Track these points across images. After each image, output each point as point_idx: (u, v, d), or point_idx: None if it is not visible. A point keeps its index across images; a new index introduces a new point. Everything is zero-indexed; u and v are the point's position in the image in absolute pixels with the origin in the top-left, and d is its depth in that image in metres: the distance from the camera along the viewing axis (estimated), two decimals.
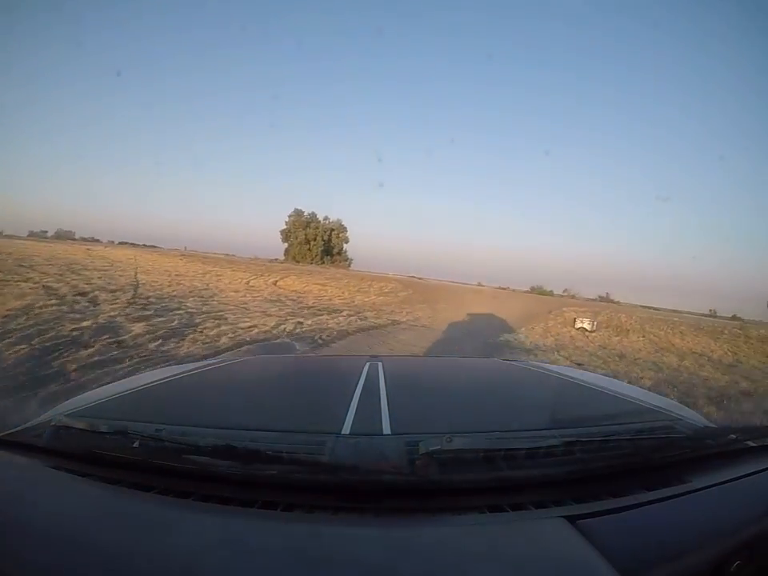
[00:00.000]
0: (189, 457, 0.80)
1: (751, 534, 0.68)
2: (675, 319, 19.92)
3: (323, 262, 38.71)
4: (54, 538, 0.63)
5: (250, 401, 1.30)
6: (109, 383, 1.58)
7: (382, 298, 21.35)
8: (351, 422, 1.00)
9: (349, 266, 39.02)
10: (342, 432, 0.95)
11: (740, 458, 0.89)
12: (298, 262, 36.39)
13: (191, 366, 1.88)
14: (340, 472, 0.74)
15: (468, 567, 0.58)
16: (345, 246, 42.04)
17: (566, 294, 37.06)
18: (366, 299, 20.08)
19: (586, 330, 14.92)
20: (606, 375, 3.49)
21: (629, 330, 16.04)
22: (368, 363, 1.70)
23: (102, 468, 0.85)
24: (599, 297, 39.57)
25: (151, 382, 1.49)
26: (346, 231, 40.96)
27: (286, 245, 41.97)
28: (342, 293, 21.13)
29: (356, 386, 1.32)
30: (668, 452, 0.85)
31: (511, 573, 0.58)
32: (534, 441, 0.83)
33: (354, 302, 18.35)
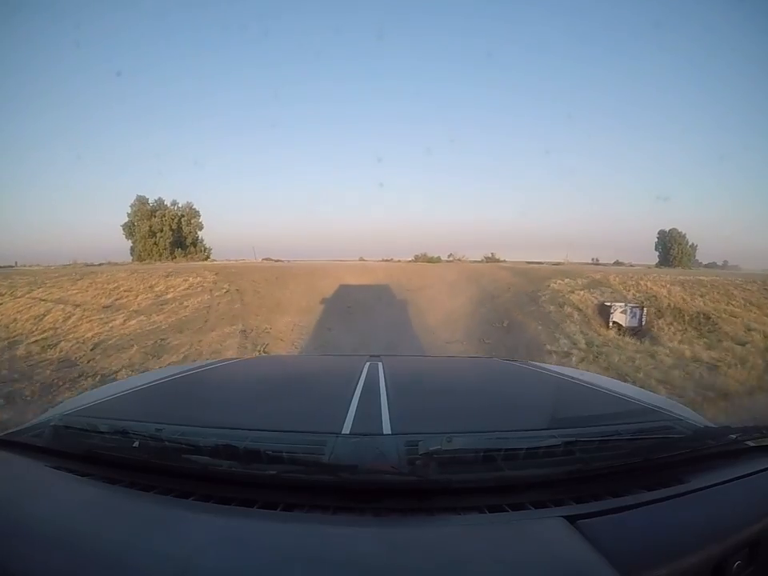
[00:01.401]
0: (189, 457, 0.80)
1: (751, 534, 0.68)
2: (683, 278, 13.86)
3: (174, 257, 31.12)
4: (54, 538, 0.63)
5: (250, 401, 1.30)
6: (109, 384, 1.58)
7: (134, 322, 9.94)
8: (351, 422, 1.00)
9: (207, 257, 32.17)
10: (342, 432, 0.95)
11: (740, 458, 0.89)
12: (143, 260, 29.58)
13: (191, 365, 1.88)
14: (340, 472, 0.74)
15: (468, 567, 0.58)
16: (199, 234, 34.00)
17: (452, 258, 35.00)
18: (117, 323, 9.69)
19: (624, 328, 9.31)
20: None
21: (710, 319, 9.37)
22: (368, 363, 1.70)
23: (102, 468, 0.85)
24: (485, 257, 37.37)
25: (151, 382, 1.49)
26: (199, 217, 33.24)
27: (130, 242, 32.76)
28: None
29: (356, 386, 1.32)
30: (668, 452, 0.85)
31: (511, 573, 0.58)
32: (533, 441, 0.83)
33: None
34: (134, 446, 0.83)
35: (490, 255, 38.49)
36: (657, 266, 40.54)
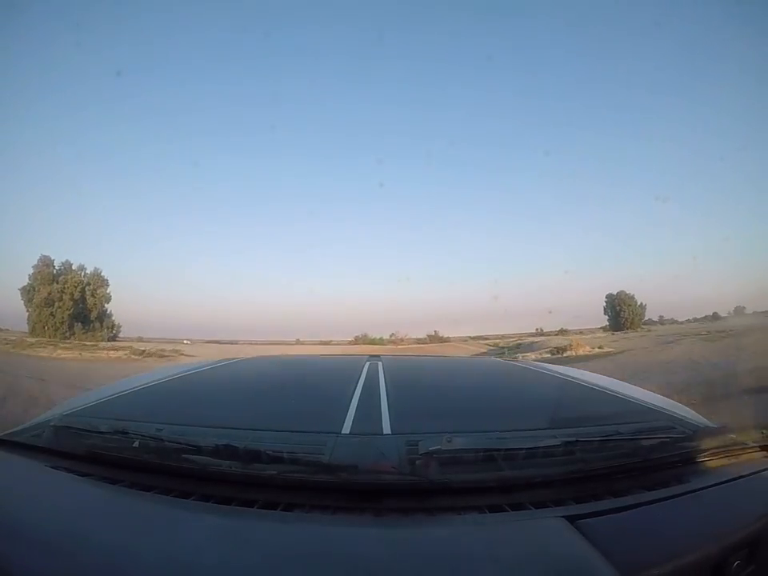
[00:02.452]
0: (189, 457, 0.80)
1: (751, 534, 0.68)
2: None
3: (72, 333, 25.64)
4: (54, 538, 0.63)
5: (250, 401, 1.30)
6: (109, 384, 1.58)
7: None
8: (351, 422, 1.00)
9: (112, 336, 26.22)
10: (342, 432, 0.94)
11: (740, 458, 0.89)
12: (36, 333, 24.41)
13: (191, 365, 1.87)
14: (340, 472, 0.74)
15: (468, 567, 0.58)
16: (107, 306, 28.09)
17: (394, 337, 34.72)
18: None
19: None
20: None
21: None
22: (368, 363, 1.70)
23: (102, 468, 0.85)
24: (428, 336, 38.07)
25: (151, 382, 1.49)
26: (107, 287, 27.56)
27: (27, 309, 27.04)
28: None
29: (356, 386, 1.32)
30: (668, 452, 0.85)
31: (511, 573, 0.58)
32: (533, 441, 0.82)
33: None
34: (134, 446, 0.83)
35: (433, 333, 38.88)
36: (607, 329, 41.36)
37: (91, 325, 27.20)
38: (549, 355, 15.83)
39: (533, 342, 31.97)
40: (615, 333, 35.80)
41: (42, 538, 0.63)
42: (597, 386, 1.47)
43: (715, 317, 43.35)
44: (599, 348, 17.06)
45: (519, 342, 41.25)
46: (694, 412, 1.19)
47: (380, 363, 1.70)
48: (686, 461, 0.87)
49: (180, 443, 0.83)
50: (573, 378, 1.61)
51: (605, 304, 43.25)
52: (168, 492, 0.76)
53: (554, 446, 0.80)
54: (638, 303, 42.06)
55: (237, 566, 0.57)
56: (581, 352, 15.99)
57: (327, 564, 0.58)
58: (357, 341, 32.96)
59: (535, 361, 12.15)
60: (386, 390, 1.28)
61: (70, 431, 0.94)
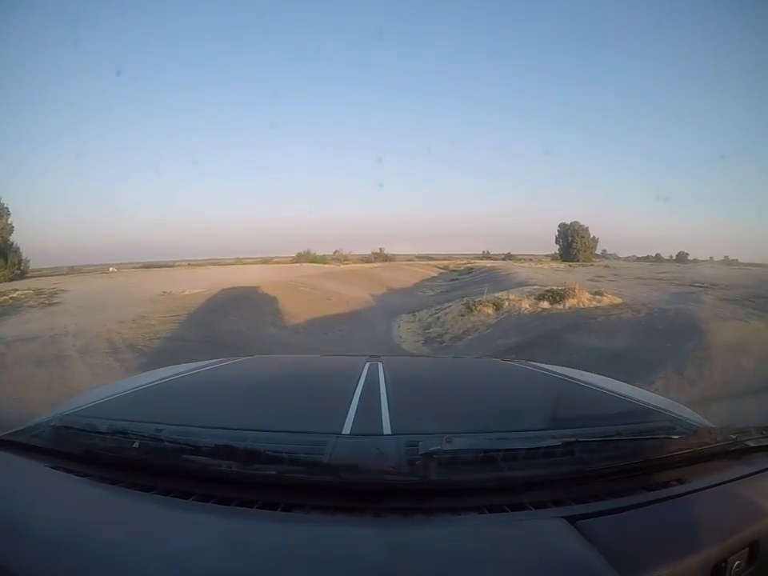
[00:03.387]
0: (189, 457, 0.80)
1: (751, 534, 0.68)
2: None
3: None
4: (54, 538, 0.63)
5: (249, 401, 1.30)
6: (109, 383, 1.58)
7: None
8: (351, 422, 1.00)
9: (19, 274, 21.98)
10: (342, 432, 0.94)
11: (740, 458, 0.89)
12: None
13: (191, 365, 1.87)
14: (340, 472, 0.74)
15: (468, 567, 0.58)
16: (11, 238, 23.25)
17: (337, 255, 31.94)
18: None
19: None
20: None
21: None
22: (368, 363, 1.70)
23: (102, 468, 0.85)
24: (372, 253, 35.67)
25: (151, 382, 1.49)
26: (7, 216, 22.91)
27: None
28: None
29: (356, 386, 1.32)
30: (668, 452, 0.85)
31: (511, 573, 0.58)
32: (533, 441, 0.83)
33: None
34: (133, 446, 0.83)
35: (378, 251, 37.35)
36: (557, 257, 40.52)
37: None
38: (542, 303, 10.96)
39: (492, 270, 28.30)
40: (571, 264, 33.66)
41: (42, 538, 0.63)
42: (597, 386, 1.47)
43: (657, 258, 43.10)
44: (598, 295, 11.15)
45: (469, 265, 39.48)
46: (693, 412, 1.19)
47: (380, 364, 1.70)
48: (686, 461, 0.86)
49: (180, 443, 0.83)
50: (572, 378, 1.61)
51: (557, 233, 42.02)
52: (168, 492, 0.76)
53: (553, 446, 0.80)
54: (591, 236, 41.27)
55: (237, 567, 0.57)
56: (587, 302, 10.60)
57: (327, 564, 0.58)
58: (299, 258, 30.50)
59: (525, 309, 10.48)
60: (386, 391, 1.28)
61: (69, 431, 0.94)
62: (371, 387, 1.33)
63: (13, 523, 0.67)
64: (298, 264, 29.06)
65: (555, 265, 34.46)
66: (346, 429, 0.97)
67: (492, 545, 0.63)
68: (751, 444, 0.90)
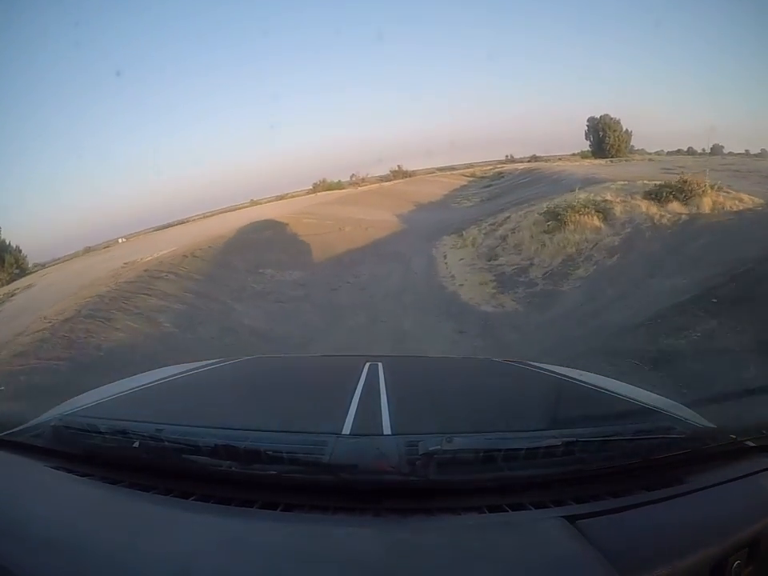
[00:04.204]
0: (189, 457, 0.80)
1: (751, 534, 0.68)
2: None
3: None
4: (54, 538, 0.63)
5: (250, 401, 1.30)
6: (109, 383, 1.58)
7: None
8: (351, 423, 1.00)
9: (18, 273, 20.18)
10: (343, 432, 0.95)
11: (740, 458, 0.89)
12: None
13: (191, 365, 1.87)
14: (340, 472, 0.74)
15: (468, 567, 0.58)
16: (4, 238, 21.10)
17: (354, 179, 29.37)
18: None
19: None
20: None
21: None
22: (368, 363, 1.70)
23: (102, 468, 0.85)
24: (391, 171, 33.50)
25: (151, 382, 1.49)
26: None
27: None
28: None
29: (356, 387, 1.32)
30: (668, 452, 0.85)
31: (511, 573, 0.58)
32: (533, 441, 0.82)
33: None
34: (134, 446, 0.83)
35: (396, 169, 34.96)
36: (587, 155, 36.65)
37: None
38: (670, 205, 7.08)
39: (531, 171, 24.86)
40: (611, 160, 30.11)
41: (43, 538, 0.63)
42: (597, 386, 1.47)
43: (690, 151, 38.85)
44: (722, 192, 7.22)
45: (497, 170, 37.08)
46: (693, 412, 1.19)
47: (380, 364, 1.70)
48: (685, 461, 0.86)
49: (180, 443, 0.83)
50: (572, 378, 1.61)
51: (586, 128, 37.78)
52: (168, 492, 0.76)
53: (553, 446, 0.80)
54: (624, 129, 36.77)
55: (237, 566, 0.57)
56: (726, 202, 7.03)
57: (327, 564, 0.58)
58: (315, 188, 28.02)
59: (655, 217, 6.33)
60: (386, 391, 1.28)
61: (69, 431, 0.94)
62: (371, 387, 1.33)
63: (13, 523, 0.67)
64: (314, 194, 26.46)
65: (592, 161, 30.39)
66: (346, 429, 0.97)
67: (492, 545, 0.63)
68: (751, 444, 0.90)
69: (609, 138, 36.15)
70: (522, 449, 0.80)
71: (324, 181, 28.78)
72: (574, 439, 0.82)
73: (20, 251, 22.15)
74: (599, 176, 13.15)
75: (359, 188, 27.79)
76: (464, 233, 11.19)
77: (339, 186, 28.03)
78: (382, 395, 1.24)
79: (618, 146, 36.15)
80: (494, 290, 6.92)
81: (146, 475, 0.81)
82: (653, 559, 0.61)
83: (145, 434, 0.85)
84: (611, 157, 33.06)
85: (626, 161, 28.77)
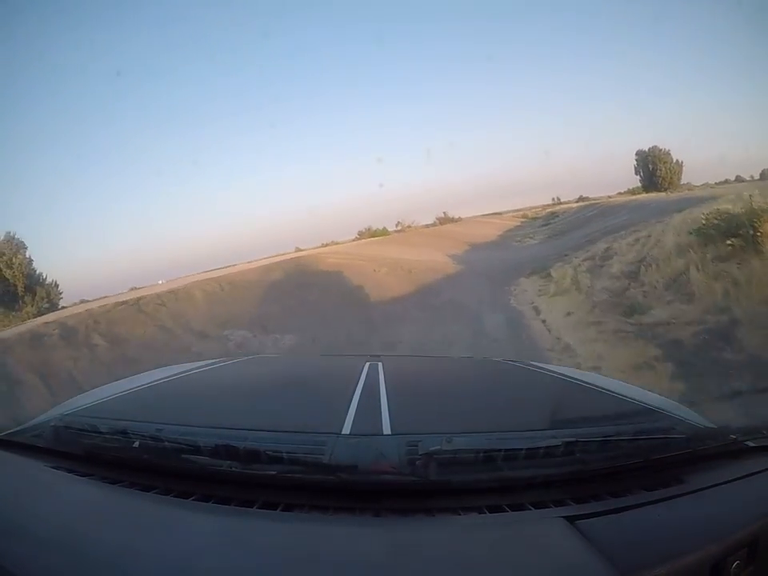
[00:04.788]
0: (189, 457, 0.80)
1: (750, 534, 0.68)
2: None
3: None
4: (54, 538, 0.63)
5: (250, 401, 1.30)
6: (109, 383, 1.58)
7: None
8: (351, 422, 1.00)
9: (48, 307, 19.02)
10: (342, 432, 0.95)
11: (740, 458, 0.89)
12: None
13: (191, 365, 1.88)
14: (340, 472, 0.74)
15: (468, 567, 0.58)
16: (38, 272, 20.57)
17: (400, 227, 27.51)
18: None
19: None
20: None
21: None
22: (368, 363, 1.70)
23: (102, 468, 0.85)
24: (437, 218, 31.66)
25: (151, 382, 1.49)
26: (24, 250, 20.00)
27: None
28: None
29: (356, 386, 1.32)
30: (668, 452, 0.85)
31: (511, 573, 0.58)
32: (533, 441, 0.82)
33: None
34: (134, 446, 0.83)
35: (442, 215, 33.61)
36: (636, 191, 35.41)
37: (21, 301, 19.67)
38: None
39: (595, 205, 23.74)
40: (667, 192, 28.25)
41: (42, 539, 0.63)
42: (597, 386, 1.47)
43: (739, 179, 36.07)
44: None
45: (550, 210, 36.41)
46: (693, 412, 1.19)
47: (380, 364, 1.70)
48: (685, 461, 0.86)
49: (180, 443, 0.83)
50: (572, 378, 1.61)
51: (635, 163, 35.99)
52: (168, 492, 0.76)
53: (554, 446, 0.80)
54: (674, 160, 34.90)
55: (236, 566, 0.57)
56: None
57: (327, 564, 0.58)
58: (361, 236, 26.94)
59: None
60: (386, 391, 1.28)
61: (69, 431, 0.94)
62: (371, 387, 1.33)
63: (13, 523, 0.67)
64: (362, 241, 24.45)
65: (648, 195, 27.62)
66: (346, 429, 0.97)
67: (492, 545, 0.63)
68: (751, 444, 0.90)
69: (660, 170, 34.66)
70: (521, 449, 0.79)
71: (369, 228, 27.62)
72: (574, 439, 0.82)
73: (56, 285, 21.27)
74: (693, 196, 10.71)
75: (406, 233, 25.73)
76: (551, 272, 8.13)
77: (384, 232, 26.58)
78: (381, 395, 1.24)
79: (671, 178, 34.73)
80: (683, 384, 3.46)
81: (146, 475, 0.81)
82: (653, 559, 0.61)
83: (145, 434, 0.85)
84: (664, 190, 31.70)
85: (687, 190, 26.42)
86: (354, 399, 1.18)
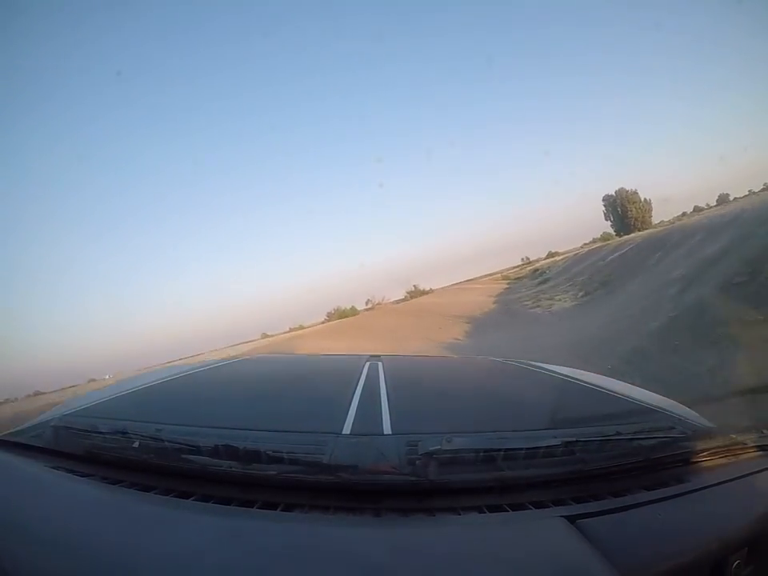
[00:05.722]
0: (189, 457, 0.80)
1: (750, 534, 0.68)
2: None
3: None
4: (54, 538, 0.63)
5: (250, 401, 1.30)
6: (109, 384, 1.58)
7: None
8: (351, 422, 1.00)
9: None
10: (343, 432, 0.94)
11: (740, 458, 0.89)
12: None
13: (191, 365, 1.88)
14: (340, 472, 0.74)
15: (468, 567, 0.58)
16: None
17: (370, 305, 26.81)
18: None
19: None
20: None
21: None
22: (368, 363, 1.70)
23: (103, 468, 0.85)
24: (407, 292, 30.49)
25: (151, 382, 1.49)
26: None
27: None
28: None
29: (356, 386, 1.32)
30: (668, 452, 0.85)
31: (511, 573, 0.58)
32: (533, 441, 0.82)
33: None
34: (134, 446, 0.83)
35: (412, 289, 32.28)
36: (608, 237, 34.54)
37: None
38: None
39: (579, 257, 21.86)
40: (639, 232, 27.13)
41: (42, 539, 0.63)
42: (597, 385, 1.47)
43: (696, 209, 37.54)
44: None
45: (531, 267, 35.25)
46: (693, 412, 1.19)
47: (380, 363, 1.70)
48: (685, 461, 0.87)
49: (180, 443, 0.83)
50: (572, 378, 1.61)
51: (604, 209, 36.54)
52: (168, 492, 0.76)
53: (553, 445, 0.80)
54: (642, 199, 35.16)
55: (236, 566, 0.57)
56: None
57: (327, 564, 0.58)
58: (330, 318, 26.53)
59: None
60: (386, 390, 1.28)
61: (70, 431, 0.94)
62: (371, 387, 1.33)
63: (13, 523, 0.67)
64: (331, 323, 23.98)
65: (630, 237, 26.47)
66: (346, 428, 0.97)
67: (492, 545, 0.63)
68: (751, 444, 0.91)
69: (631, 211, 34.55)
70: (522, 449, 0.80)
71: (338, 309, 27.11)
72: (574, 439, 0.82)
73: None
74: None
75: (375, 311, 24.21)
76: None
77: (353, 312, 26.01)
78: (382, 395, 1.24)
79: (643, 217, 34.62)
80: None
81: (146, 475, 0.81)
82: (653, 559, 0.61)
83: (145, 434, 0.86)
84: (638, 230, 30.81)
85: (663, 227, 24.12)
86: (354, 399, 1.18)
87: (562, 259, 30.31)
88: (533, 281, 25.57)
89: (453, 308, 15.02)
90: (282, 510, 0.71)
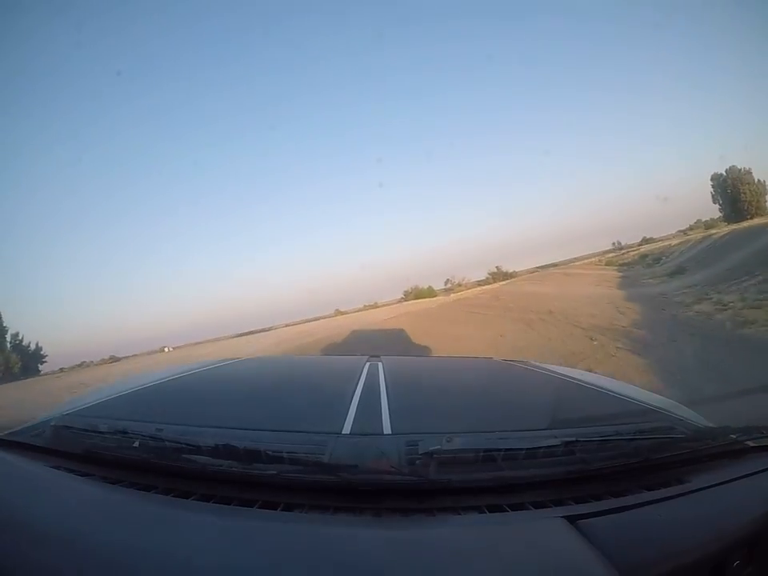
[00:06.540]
0: (189, 457, 0.80)
1: (751, 534, 0.68)
2: None
3: None
4: (54, 538, 0.63)
5: (250, 401, 1.30)
6: (109, 383, 1.58)
7: None
8: (351, 422, 1.00)
9: (18, 372, 16.29)
10: (343, 432, 0.95)
11: (740, 458, 0.89)
12: None
13: (191, 365, 1.87)
14: (340, 472, 0.74)
15: (468, 567, 0.58)
16: (9, 337, 17.18)
17: (449, 285, 25.85)
18: None
19: None
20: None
21: None
22: (368, 363, 1.70)
23: (103, 468, 0.85)
24: (489, 274, 30.06)
25: (151, 382, 1.49)
26: None
27: None
28: None
29: (356, 386, 1.32)
30: (668, 452, 0.85)
31: (511, 573, 0.58)
32: (533, 441, 0.82)
33: None
34: (134, 445, 0.83)
35: (495, 270, 31.99)
36: (712, 224, 29.73)
37: None
38: None
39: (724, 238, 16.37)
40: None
41: (43, 538, 0.63)
42: (597, 385, 1.47)
43: None
44: None
45: (640, 252, 30.10)
46: (693, 412, 1.19)
47: (380, 363, 1.70)
48: (685, 461, 0.87)
49: (180, 443, 0.83)
50: (572, 378, 1.61)
51: (711, 190, 30.38)
52: (168, 492, 0.76)
53: (553, 445, 0.80)
54: (756, 179, 29.47)
55: (237, 566, 0.57)
56: None
57: (327, 564, 0.58)
58: (407, 296, 25.11)
59: None
60: (386, 390, 1.28)
61: (70, 431, 0.95)
62: (371, 387, 1.33)
63: (13, 523, 0.67)
64: (408, 302, 22.05)
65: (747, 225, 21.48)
66: (346, 428, 0.97)
67: (492, 545, 0.63)
68: (751, 444, 0.91)
69: (744, 193, 28.71)
70: (522, 449, 0.80)
71: (416, 288, 25.98)
72: (574, 439, 0.82)
73: (40, 349, 21.31)
74: None
75: (452, 295, 21.33)
76: None
77: (431, 293, 24.20)
78: (382, 395, 1.24)
79: (757, 201, 29.25)
80: None
81: (146, 475, 0.81)
82: (653, 559, 0.61)
83: (145, 434, 0.86)
84: (751, 216, 25.51)
85: None
86: (354, 399, 1.18)
87: (678, 243, 25.27)
88: (648, 268, 22.08)
89: (574, 305, 10.19)
90: (282, 510, 0.71)
